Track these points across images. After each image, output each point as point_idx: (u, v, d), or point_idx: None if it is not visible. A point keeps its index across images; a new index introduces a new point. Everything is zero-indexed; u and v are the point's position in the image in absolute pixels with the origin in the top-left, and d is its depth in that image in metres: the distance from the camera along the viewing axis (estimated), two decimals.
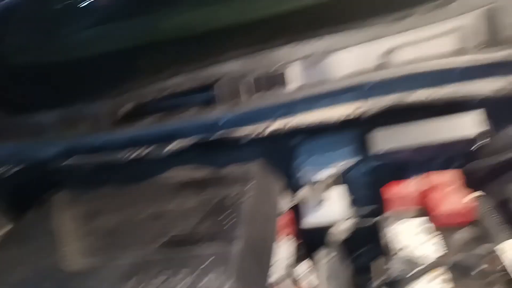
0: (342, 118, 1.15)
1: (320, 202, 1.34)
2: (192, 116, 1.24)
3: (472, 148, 1.14)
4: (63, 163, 1.36)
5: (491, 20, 1.16)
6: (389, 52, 1.17)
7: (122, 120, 1.36)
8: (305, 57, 1.27)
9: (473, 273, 0.92)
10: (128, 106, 1.37)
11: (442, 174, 1.17)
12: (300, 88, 1.20)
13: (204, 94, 1.34)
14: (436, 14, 1.22)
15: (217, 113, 1.21)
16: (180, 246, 1.01)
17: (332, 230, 1.31)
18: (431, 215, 1.10)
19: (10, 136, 1.46)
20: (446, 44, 1.15)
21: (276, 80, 1.22)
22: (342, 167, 1.37)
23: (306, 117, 1.19)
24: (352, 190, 1.34)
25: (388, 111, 1.13)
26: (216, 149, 1.35)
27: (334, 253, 1.23)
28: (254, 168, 1.31)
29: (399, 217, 1.14)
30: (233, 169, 1.32)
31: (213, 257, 0.93)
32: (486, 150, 1.16)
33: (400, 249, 1.03)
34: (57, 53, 1.57)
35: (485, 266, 0.92)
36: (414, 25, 1.21)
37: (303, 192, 1.39)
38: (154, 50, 1.49)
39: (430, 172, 1.19)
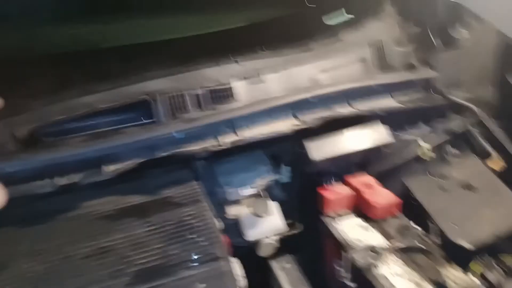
0: (281, 133, 1.24)
1: (254, 216, 1.38)
2: (131, 136, 1.11)
3: (379, 153, 1.40)
4: None
5: (380, 52, 1.47)
6: (315, 75, 1.34)
7: (36, 142, 1.11)
8: (237, 76, 1.32)
9: (414, 253, 1.13)
10: (42, 124, 1.13)
11: (360, 177, 1.39)
12: (243, 105, 1.24)
13: (135, 112, 1.24)
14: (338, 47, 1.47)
15: (161, 131, 1.13)
16: (157, 276, 0.90)
17: (268, 241, 1.38)
18: (365, 211, 1.29)
19: None
20: (355, 69, 1.40)
21: (218, 96, 1.22)
22: (266, 181, 1.47)
23: (247, 133, 1.23)
24: (282, 200, 1.44)
25: (317, 125, 1.29)
26: (147, 171, 1.24)
27: (287, 261, 1.29)
28: (191, 189, 1.26)
29: (340, 216, 1.29)
30: (169, 192, 1.25)
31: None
32: (388, 154, 1.44)
33: (355, 242, 1.18)
34: None
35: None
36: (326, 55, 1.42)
37: (234, 209, 1.42)
38: (70, 59, 1.28)
39: (349, 176, 1.40)
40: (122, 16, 1.47)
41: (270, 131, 1.22)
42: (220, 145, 1.18)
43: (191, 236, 1.04)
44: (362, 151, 1.34)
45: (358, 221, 1.30)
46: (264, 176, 1.44)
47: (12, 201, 1.04)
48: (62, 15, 1.43)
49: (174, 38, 1.45)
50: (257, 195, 1.48)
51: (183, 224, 1.11)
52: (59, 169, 1.07)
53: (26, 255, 1.01)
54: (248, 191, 1.44)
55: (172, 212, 1.16)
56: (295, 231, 1.43)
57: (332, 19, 1.60)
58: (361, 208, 1.31)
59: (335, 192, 1.34)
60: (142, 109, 1.25)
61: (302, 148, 1.30)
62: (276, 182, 1.49)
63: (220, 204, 1.37)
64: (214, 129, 1.19)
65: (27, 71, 1.26)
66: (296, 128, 1.24)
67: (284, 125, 1.24)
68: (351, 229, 1.23)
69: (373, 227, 1.26)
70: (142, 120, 1.23)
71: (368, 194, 1.30)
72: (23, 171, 1.05)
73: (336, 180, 1.42)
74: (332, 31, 1.52)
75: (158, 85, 1.28)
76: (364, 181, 1.36)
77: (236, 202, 1.46)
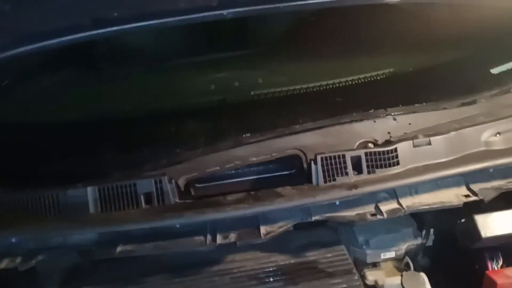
0: (450, 205, 1.10)
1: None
2: (290, 200, 1.05)
3: None
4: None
5: None
6: (490, 137, 1.17)
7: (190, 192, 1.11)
8: (394, 134, 1.21)
9: None
10: (197, 175, 1.12)
11: None
12: (407, 171, 1.12)
13: (287, 167, 1.19)
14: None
15: (321, 197, 1.05)
16: None
17: None
18: None
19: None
20: None
21: (381, 159, 1.11)
22: (408, 245, 1.32)
23: (410, 202, 1.11)
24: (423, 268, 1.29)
25: (491, 198, 1.12)
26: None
27: None
28: (339, 255, 1.17)
29: None
30: (315, 255, 1.16)
31: None
32: None
33: None
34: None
35: None
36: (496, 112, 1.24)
37: (373, 274, 1.30)
38: (221, 109, 1.28)
39: None
40: (272, 62, 1.45)
41: (437, 201, 1.09)
42: (379, 214, 1.07)
43: None
44: None
45: None
46: (407, 239, 1.31)
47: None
48: (214, 63, 1.45)
49: (321, 87, 1.37)
50: (397, 260, 1.35)
51: None
52: (219, 227, 1.05)
53: None
54: (389, 254, 1.32)
55: (321, 281, 1.08)
56: None
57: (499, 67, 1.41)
58: None
59: (507, 277, 1.14)
60: (295, 164, 1.19)
61: (471, 222, 1.13)
62: (418, 246, 1.35)
63: (355, 265, 1.26)
64: (374, 196, 1.09)
65: (180, 121, 1.28)
66: (468, 200, 1.09)
67: (454, 196, 1.09)
68: None
69: None
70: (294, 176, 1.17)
71: None
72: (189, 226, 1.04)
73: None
74: (498, 81, 1.34)
75: (309, 139, 1.21)
76: None
77: (373, 265, 1.35)
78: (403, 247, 1.32)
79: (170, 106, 1.36)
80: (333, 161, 1.10)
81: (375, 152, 1.10)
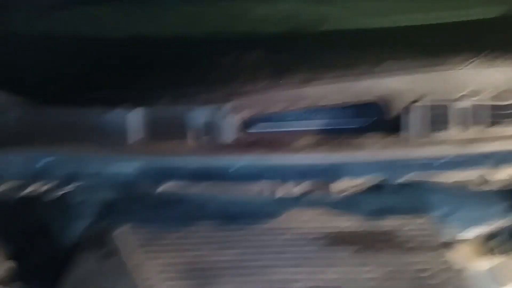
0: None
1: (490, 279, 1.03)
2: (374, 152, 0.84)
3: None
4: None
5: None
6: None
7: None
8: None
9: None
10: (259, 112, 0.93)
11: None
12: None
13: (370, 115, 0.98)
14: None
15: (415, 153, 0.83)
16: None
17: None
18: None
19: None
20: None
21: (496, 115, 0.87)
22: (495, 225, 1.10)
23: None
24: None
25: None
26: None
27: None
28: (421, 228, 0.95)
29: None
30: (391, 225, 0.96)
31: None
32: None
33: None
34: None
35: None
36: None
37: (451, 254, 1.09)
38: (287, 42, 1.06)
39: None
40: None
41: None
42: (486, 183, 0.84)
43: None
44: None
45: None
46: (496, 218, 1.09)
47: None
48: None
49: (413, 22, 1.12)
50: (478, 240, 1.13)
51: (420, 284, 0.82)
52: (281, 176, 0.86)
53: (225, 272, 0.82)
54: (471, 233, 1.10)
55: (398, 258, 0.88)
56: None
57: None
58: None
59: None
60: (378, 112, 0.97)
61: None
62: (508, 228, 1.11)
63: None
64: (481, 160, 0.85)
65: (242, 49, 1.07)
66: None
67: None
68: None
69: None
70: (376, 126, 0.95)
71: None
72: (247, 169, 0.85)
73: None
74: None
75: (397, 84, 0.98)
76: None
77: (450, 245, 1.14)
78: (491, 226, 1.09)
79: (231, 33, 1.15)
80: (433, 112, 0.87)
81: (488, 106, 0.86)
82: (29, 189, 0.88)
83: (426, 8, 1.13)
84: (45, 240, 1.17)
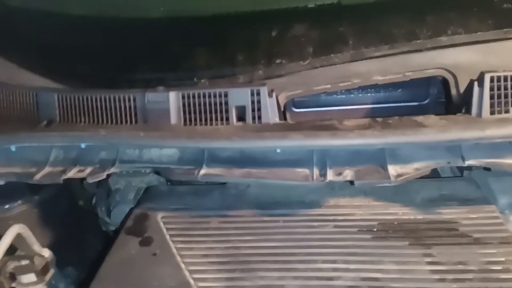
0: None
1: None
2: (435, 133, 0.73)
3: None
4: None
5: None
6: None
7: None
8: None
9: None
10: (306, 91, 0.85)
11: None
12: None
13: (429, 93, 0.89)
14: None
15: (484, 132, 0.72)
16: None
17: None
18: None
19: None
20: None
21: None
22: None
23: None
24: None
25: None
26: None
27: None
28: (489, 218, 0.84)
29: None
30: (455, 214, 0.85)
31: None
32: None
33: None
34: None
35: None
36: None
37: None
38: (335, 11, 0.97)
39: None
40: None
41: None
42: None
43: None
44: None
45: None
46: None
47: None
48: None
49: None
50: None
51: (490, 278, 0.72)
52: (331, 159, 0.78)
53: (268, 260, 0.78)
54: None
55: (465, 249, 0.78)
56: None
57: None
58: None
59: None
60: (439, 88, 0.86)
61: None
62: None
63: None
64: None
65: (283, 25, 0.99)
66: None
67: None
68: None
69: None
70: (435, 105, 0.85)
71: None
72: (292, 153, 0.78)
73: None
74: None
75: (461, 56, 0.87)
76: None
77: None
78: None
79: (271, 7, 1.06)
80: (508, 84, 0.75)
81: None
82: (69, 174, 0.86)
83: None
84: (87, 225, 1.18)
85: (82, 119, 0.90)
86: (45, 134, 0.86)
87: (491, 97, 0.76)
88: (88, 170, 0.87)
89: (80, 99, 0.90)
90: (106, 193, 1.15)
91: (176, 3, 1.14)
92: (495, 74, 0.76)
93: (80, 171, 0.87)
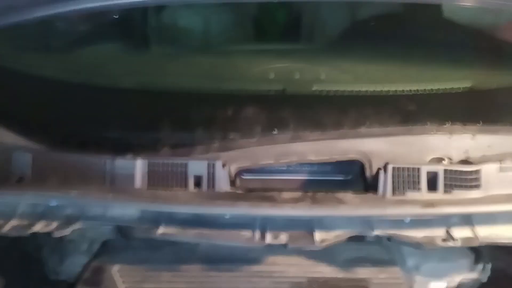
0: None
1: None
2: (353, 209, 0.94)
3: None
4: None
5: None
6: None
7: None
8: (472, 153, 1.08)
9: None
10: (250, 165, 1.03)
11: None
12: (488, 198, 0.99)
13: (348, 172, 1.10)
14: None
15: (389, 211, 0.94)
16: None
17: None
18: None
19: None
20: None
21: (461, 179, 0.99)
22: (461, 278, 1.20)
23: (486, 232, 0.99)
24: None
25: None
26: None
27: None
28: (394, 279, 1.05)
29: None
30: (366, 273, 1.05)
31: None
32: None
33: None
34: None
35: None
36: None
37: None
38: (280, 100, 1.19)
39: None
40: (338, 58, 1.34)
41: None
42: (451, 240, 0.95)
43: None
44: None
45: None
46: (462, 271, 1.19)
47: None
48: (276, 52, 1.36)
49: (392, 91, 1.26)
50: None
51: None
52: (270, 225, 0.95)
53: None
54: (439, 285, 1.20)
55: None
56: None
57: None
58: None
59: None
60: (356, 170, 1.08)
61: None
62: (473, 282, 1.22)
63: None
64: (447, 219, 0.97)
65: (236, 106, 1.19)
66: None
67: None
68: None
69: None
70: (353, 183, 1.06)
71: None
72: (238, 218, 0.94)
73: None
74: None
75: (375, 145, 1.10)
76: None
77: None
78: (457, 279, 1.20)
79: (228, 90, 1.27)
80: (405, 173, 0.99)
81: (455, 171, 0.98)
82: (35, 228, 0.95)
83: (407, 78, 1.27)
84: (35, 273, 1.22)
85: (53, 178, 1.01)
86: (20, 191, 0.96)
87: (393, 182, 0.99)
88: (54, 225, 0.96)
89: (54, 160, 1.02)
90: (58, 243, 1.22)
91: (144, 77, 1.32)
92: (396, 166, 0.99)
93: (46, 225, 0.96)
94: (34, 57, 1.34)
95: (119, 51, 1.46)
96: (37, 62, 1.33)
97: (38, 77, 1.27)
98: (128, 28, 1.46)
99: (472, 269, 1.20)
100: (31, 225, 0.96)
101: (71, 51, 1.44)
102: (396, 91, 1.27)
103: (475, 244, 0.96)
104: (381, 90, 1.28)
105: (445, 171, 0.99)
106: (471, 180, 0.98)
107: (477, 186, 0.99)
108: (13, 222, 0.96)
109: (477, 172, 0.98)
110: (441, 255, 1.19)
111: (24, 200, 0.96)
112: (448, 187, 0.98)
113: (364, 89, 1.29)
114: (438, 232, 0.97)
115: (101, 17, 1.41)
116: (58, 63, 1.37)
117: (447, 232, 0.97)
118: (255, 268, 1.06)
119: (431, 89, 1.28)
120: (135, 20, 1.46)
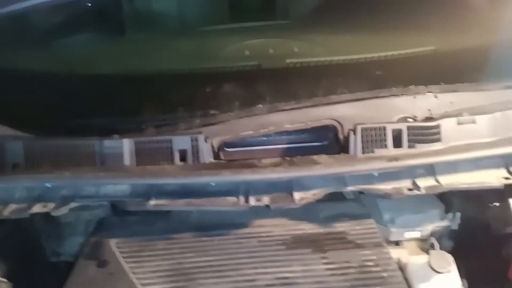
0: (489, 185, 1.08)
1: (428, 269, 1.23)
2: (326, 168, 1.03)
3: None
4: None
5: None
6: None
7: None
8: (435, 111, 1.18)
9: None
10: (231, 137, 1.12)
11: None
12: (448, 149, 1.09)
13: (321, 137, 1.18)
14: None
15: (359, 167, 1.03)
16: None
17: None
18: None
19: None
20: None
21: (423, 134, 1.09)
22: (434, 226, 1.31)
23: (448, 180, 1.09)
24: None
25: None
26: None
27: None
28: (368, 228, 1.16)
29: None
30: (343, 227, 1.16)
31: None
32: None
33: None
34: None
35: None
36: None
37: (395, 252, 1.29)
38: (257, 74, 1.26)
39: None
40: (308, 32, 1.41)
41: (476, 181, 1.07)
42: (415, 190, 1.05)
43: None
44: None
45: None
46: (433, 221, 1.30)
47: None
48: (249, 29, 1.43)
49: (360, 59, 1.34)
50: (420, 240, 1.34)
51: (366, 271, 1.02)
52: (252, 189, 1.04)
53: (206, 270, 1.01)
54: (413, 234, 1.31)
55: (350, 252, 1.08)
56: None
57: None
58: None
59: None
60: (330, 134, 1.17)
61: (506, 206, 1.11)
62: (444, 229, 1.33)
63: None
64: (412, 171, 1.07)
65: (215, 83, 1.26)
66: (507, 182, 1.07)
67: (494, 177, 1.07)
68: None
69: None
70: (328, 147, 1.15)
71: None
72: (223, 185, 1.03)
73: None
74: None
75: (346, 110, 1.19)
76: None
77: (396, 243, 1.34)
78: (429, 228, 1.30)
79: (206, 68, 1.34)
80: (373, 132, 1.08)
81: (417, 127, 1.08)
82: (34, 209, 1.02)
83: (374, 47, 1.35)
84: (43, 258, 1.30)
85: (46, 163, 1.07)
86: (16, 176, 1.02)
87: (362, 141, 1.08)
88: (51, 205, 1.03)
89: (45, 146, 1.08)
90: (56, 227, 1.29)
91: (123, 62, 1.37)
92: (364, 126, 1.08)
93: (44, 206, 1.03)
94: (13, 52, 1.38)
95: (96, 39, 1.50)
96: (16, 57, 1.37)
97: (20, 71, 1.32)
98: (103, 15, 1.50)
99: (443, 218, 1.31)
100: (30, 207, 1.02)
101: (49, 43, 1.48)
102: (364, 59, 1.35)
103: (438, 190, 1.06)
104: (350, 59, 1.36)
105: (408, 127, 1.08)
106: (432, 134, 1.08)
107: (438, 140, 1.08)
108: (12, 206, 1.03)
109: (437, 126, 1.08)
110: (414, 208, 1.29)
111: (21, 183, 1.03)
112: (412, 142, 1.08)
113: (334, 59, 1.37)
114: (405, 183, 1.07)
115: (75, 6, 1.45)
116: (37, 56, 1.41)
117: (413, 182, 1.07)
118: (243, 231, 1.15)
119: (397, 54, 1.36)
120: (109, 7, 1.50)
